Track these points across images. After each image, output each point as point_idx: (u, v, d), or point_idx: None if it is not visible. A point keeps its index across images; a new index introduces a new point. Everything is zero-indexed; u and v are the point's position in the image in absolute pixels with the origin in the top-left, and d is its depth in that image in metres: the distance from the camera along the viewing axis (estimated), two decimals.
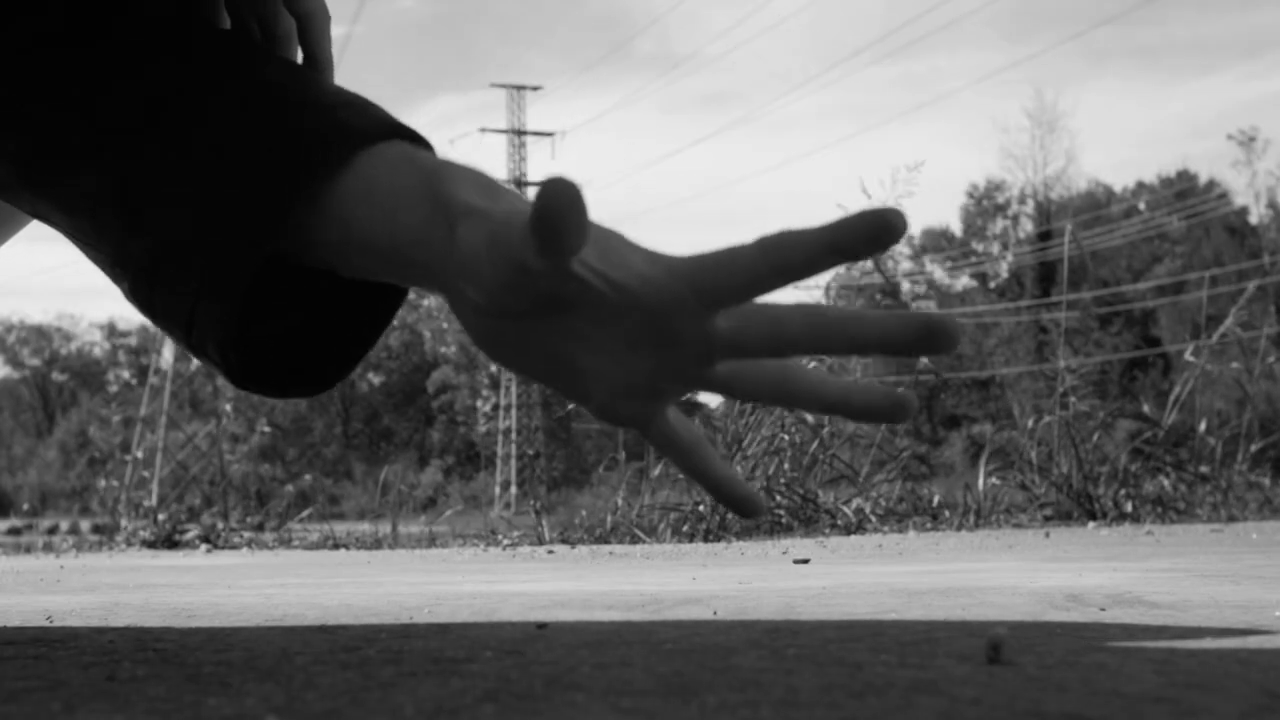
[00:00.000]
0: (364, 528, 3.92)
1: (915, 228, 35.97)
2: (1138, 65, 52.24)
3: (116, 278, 0.72)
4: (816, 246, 0.55)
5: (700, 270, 0.57)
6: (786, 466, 3.04)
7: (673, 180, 52.05)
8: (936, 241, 36.48)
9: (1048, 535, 2.49)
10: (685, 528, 2.87)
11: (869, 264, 3.90)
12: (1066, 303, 13.84)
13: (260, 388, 0.70)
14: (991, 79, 51.46)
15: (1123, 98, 49.76)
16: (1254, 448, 3.52)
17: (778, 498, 2.95)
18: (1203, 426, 3.53)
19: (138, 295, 0.71)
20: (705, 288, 0.57)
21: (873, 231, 0.54)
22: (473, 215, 0.61)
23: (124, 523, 3.75)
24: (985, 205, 35.67)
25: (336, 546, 2.96)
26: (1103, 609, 0.88)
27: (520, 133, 38.86)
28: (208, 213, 0.66)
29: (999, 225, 35.74)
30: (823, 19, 55.78)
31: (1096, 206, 33.95)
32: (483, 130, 38.88)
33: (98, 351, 45.98)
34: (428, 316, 40.59)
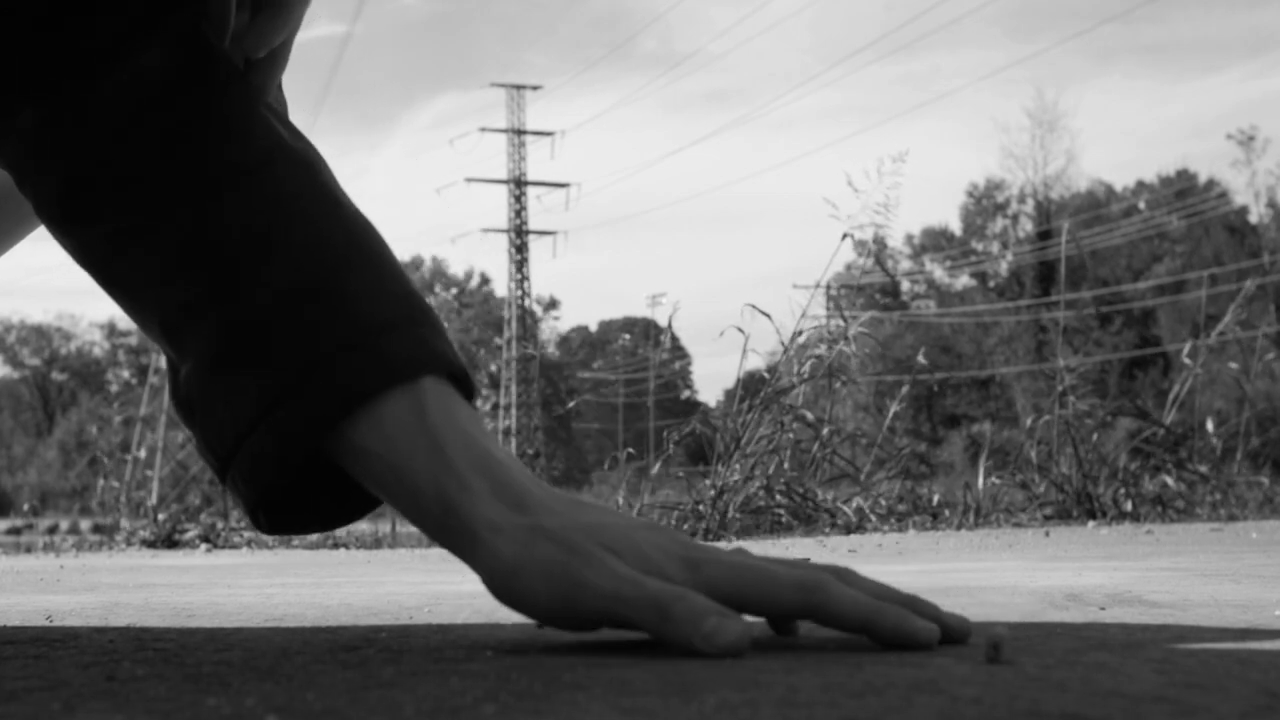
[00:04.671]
0: (364, 527, 3.91)
1: (915, 226, 35.99)
2: (1140, 64, 52.26)
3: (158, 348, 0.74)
4: (851, 621, 0.62)
5: (735, 588, 0.62)
6: (786, 465, 3.04)
7: (673, 180, 52.05)
8: (936, 241, 36.47)
9: (1047, 534, 2.49)
10: (685, 526, 2.87)
11: (870, 263, 3.90)
12: (1066, 302, 13.82)
13: (283, 531, 0.72)
14: (993, 78, 51.48)
15: (1125, 97, 49.77)
16: (1252, 445, 3.52)
17: (777, 497, 2.95)
18: (1210, 425, 3.53)
19: (175, 397, 0.72)
20: (726, 595, 0.62)
21: (902, 639, 0.61)
22: (503, 531, 0.64)
23: (124, 522, 3.75)
24: (985, 204, 35.66)
25: (336, 546, 2.96)
26: (1102, 608, 0.88)
27: (520, 132, 38.85)
28: (258, 388, 0.67)
29: (999, 224, 35.74)
30: (824, 17, 55.78)
31: (1096, 206, 33.94)
32: (482, 130, 38.88)
33: (98, 351, 45.97)
34: None
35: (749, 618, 0.62)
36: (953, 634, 0.64)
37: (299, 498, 0.72)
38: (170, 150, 0.70)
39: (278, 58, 0.76)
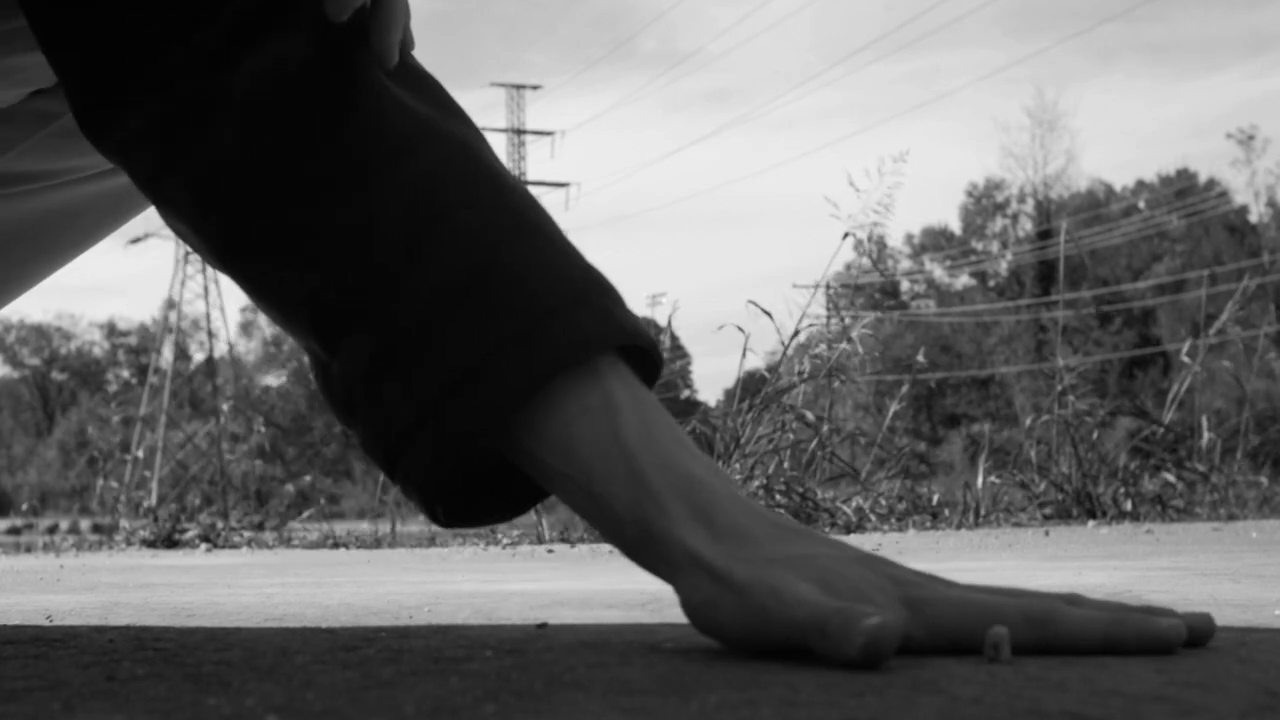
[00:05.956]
0: (364, 527, 3.92)
1: (914, 226, 36.01)
2: (1140, 64, 52.21)
3: (305, 347, 0.70)
4: (1091, 642, 0.58)
5: (960, 627, 0.59)
6: (786, 465, 3.04)
7: (673, 180, 51.97)
8: (936, 240, 36.47)
9: (1047, 534, 2.49)
10: None
11: (867, 262, 3.89)
12: (1065, 301, 13.82)
13: (460, 525, 0.70)
14: (993, 77, 51.45)
15: (1125, 97, 49.71)
16: (1251, 444, 3.52)
17: (777, 496, 2.95)
18: (1205, 424, 3.53)
19: (330, 394, 0.69)
20: (951, 635, 0.59)
21: (1148, 642, 0.58)
22: (702, 568, 0.62)
23: (124, 522, 3.75)
24: (985, 204, 35.66)
25: (336, 546, 2.96)
26: None
27: (520, 131, 38.86)
28: (420, 383, 0.64)
29: (999, 224, 35.74)
30: (825, 16, 55.71)
31: (1096, 205, 33.95)
32: (482, 129, 38.86)
33: (97, 351, 45.96)
34: None
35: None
36: (1197, 634, 0.61)
37: (477, 488, 0.69)
38: (301, 144, 0.66)
39: (386, 19, 0.70)
